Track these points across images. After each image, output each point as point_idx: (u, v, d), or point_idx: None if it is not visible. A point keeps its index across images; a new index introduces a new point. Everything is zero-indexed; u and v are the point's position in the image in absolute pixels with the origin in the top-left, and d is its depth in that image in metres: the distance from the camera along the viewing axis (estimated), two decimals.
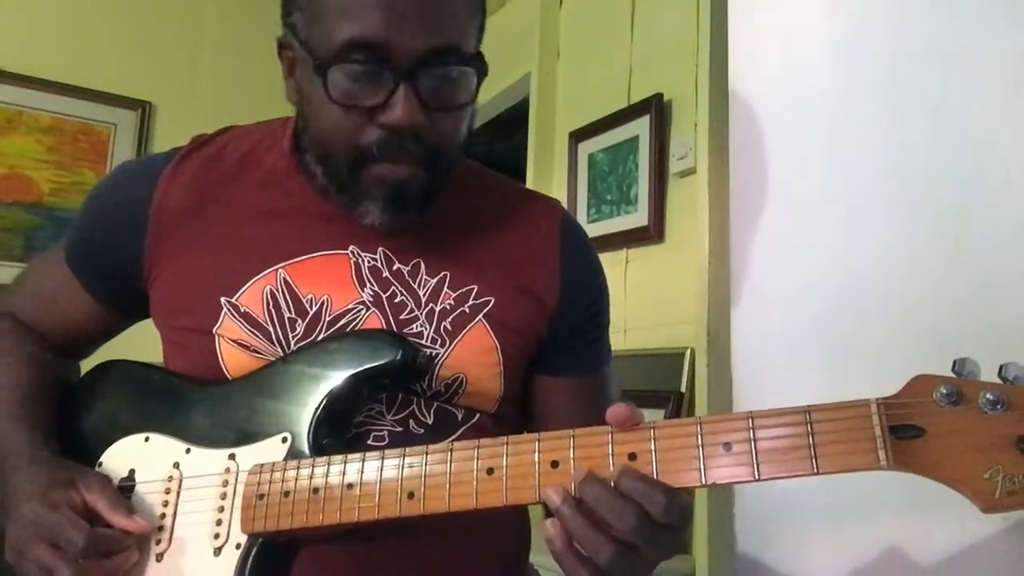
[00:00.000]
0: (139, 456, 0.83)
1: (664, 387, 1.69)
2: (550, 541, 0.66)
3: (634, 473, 0.65)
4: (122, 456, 0.85)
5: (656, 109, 1.88)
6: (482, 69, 0.81)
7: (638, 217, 1.91)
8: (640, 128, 1.93)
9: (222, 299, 0.84)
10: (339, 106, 0.77)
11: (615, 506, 0.63)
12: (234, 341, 0.83)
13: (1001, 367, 0.61)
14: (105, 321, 0.96)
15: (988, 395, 0.60)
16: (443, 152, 0.81)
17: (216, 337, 0.84)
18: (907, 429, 0.61)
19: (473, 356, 0.85)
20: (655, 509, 0.63)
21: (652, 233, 1.86)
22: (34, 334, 0.96)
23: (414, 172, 0.80)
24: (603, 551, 0.63)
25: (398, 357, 0.78)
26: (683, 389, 1.66)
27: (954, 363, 0.63)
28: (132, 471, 0.83)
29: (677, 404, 1.65)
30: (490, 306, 0.87)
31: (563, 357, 0.93)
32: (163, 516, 0.80)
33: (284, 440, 0.78)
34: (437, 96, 0.78)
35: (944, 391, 0.61)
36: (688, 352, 1.68)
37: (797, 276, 1.08)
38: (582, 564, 0.65)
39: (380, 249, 0.87)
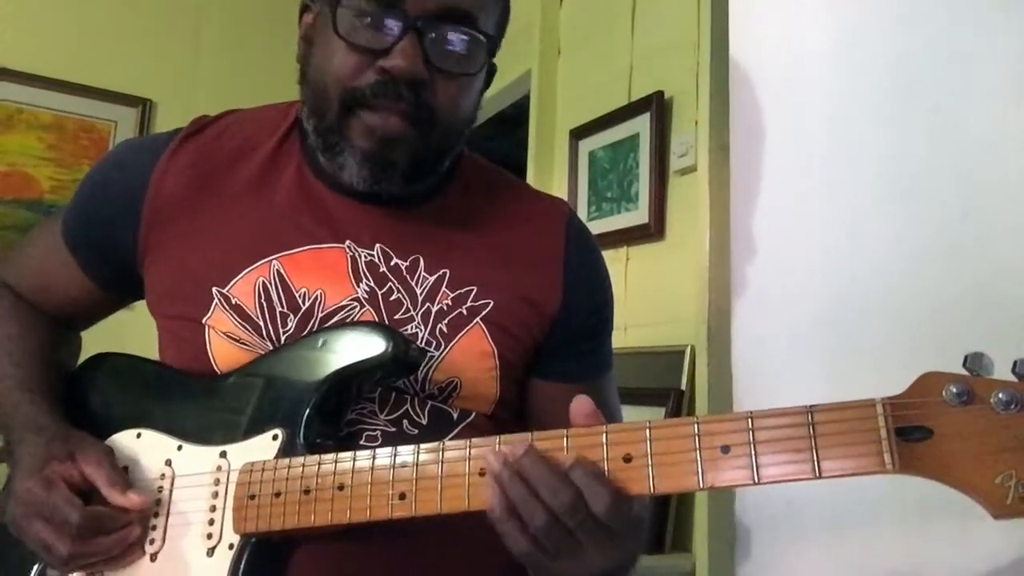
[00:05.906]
0: (132, 453, 0.83)
1: (664, 385, 1.68)
2: (491, 508, 0.65)
3: (588, 466, 0.64)
4: (114, 453, 0.83)
5: (657, 106, 1.87)
6: (492, 50, 0.81)
7: (638, 215, 1.90)
8: (641, 125, 1.92)
9: (214, 289, 0.83)
10: (344, 43, 0.77)
11: (552, 483, 0.63)
12: (224, 334, 0.82)
13: (1015, 363, 0.56)
14: (100, 300, 0.95)
15: (1001, 394, 0.56)
16: (439, 116, 0.80)
17: (206, 328, 0.83)
18: (914, 431, 0.58)
19: (468, 360, 0.84)
20: (597, 505, 0.63)
21: (652, 231, 1.85)
22: (31, 305, 0.95)
23: (404, 129, 0.78)
24: (538, 515, 0.63)
25: (388, 350, 0.76)
26: (683, 387, 1.65)
27: (966, 358, 0.58)
28: (125, 468, 0.82)
29: (677, 402, 1.64)
30: (489, 309, 0.85)
31: (561, 363, 0.91)
32: (156, 515, 0.79)
33: (275, 438, 0.77)
34: (441, 56, 0.78)
35: (954, 390, 0.57)
36: (688, 350, 1.67)
37: (797, 274, 1.08)
38: (521, 531, 0.65)
39: (378, 245, 0.85)
